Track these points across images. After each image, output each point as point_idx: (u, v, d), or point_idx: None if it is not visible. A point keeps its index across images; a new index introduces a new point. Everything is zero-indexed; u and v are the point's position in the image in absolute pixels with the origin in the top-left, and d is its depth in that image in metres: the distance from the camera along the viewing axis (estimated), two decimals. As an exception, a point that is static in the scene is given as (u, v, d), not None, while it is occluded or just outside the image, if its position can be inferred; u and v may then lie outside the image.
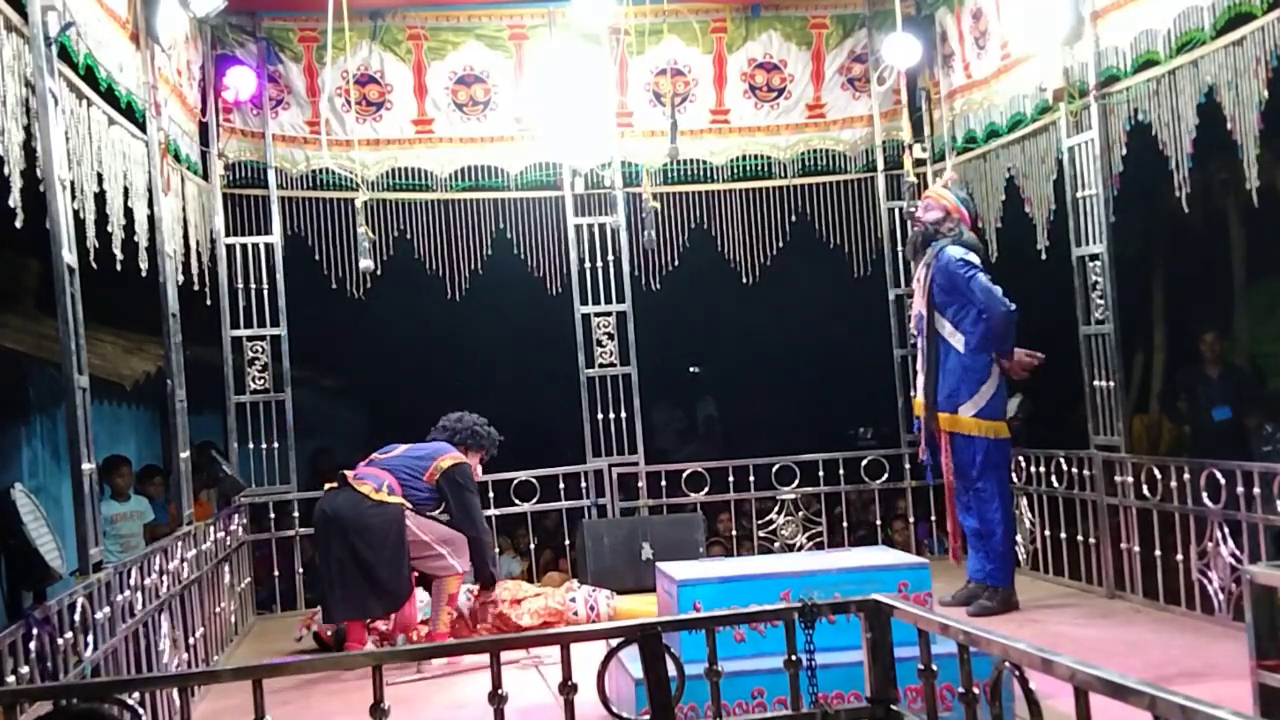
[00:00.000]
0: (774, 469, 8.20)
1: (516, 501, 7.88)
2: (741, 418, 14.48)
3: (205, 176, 7.40)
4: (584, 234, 8.12)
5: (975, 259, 6.33)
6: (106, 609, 4.42)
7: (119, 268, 5.34)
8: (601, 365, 8.10)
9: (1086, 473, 6.72)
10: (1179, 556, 6.00)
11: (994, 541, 6.32)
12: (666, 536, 7.52)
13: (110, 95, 5.32)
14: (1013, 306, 6.20)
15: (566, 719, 3.32)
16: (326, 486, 6.20)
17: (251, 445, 7.63)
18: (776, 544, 8.13)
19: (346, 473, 6.15)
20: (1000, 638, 2.88)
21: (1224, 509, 5.65)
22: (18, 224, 4.08)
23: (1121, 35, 6.13)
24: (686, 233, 8.23)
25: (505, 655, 3.32)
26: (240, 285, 7.67)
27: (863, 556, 5.19)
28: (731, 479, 8.13)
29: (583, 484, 8.00)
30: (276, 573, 7.73)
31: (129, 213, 5.50)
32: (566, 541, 8.00)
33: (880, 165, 8.39)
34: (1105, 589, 6.59)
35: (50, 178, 4.36)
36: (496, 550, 6.50)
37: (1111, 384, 6.48)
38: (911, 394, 8.22)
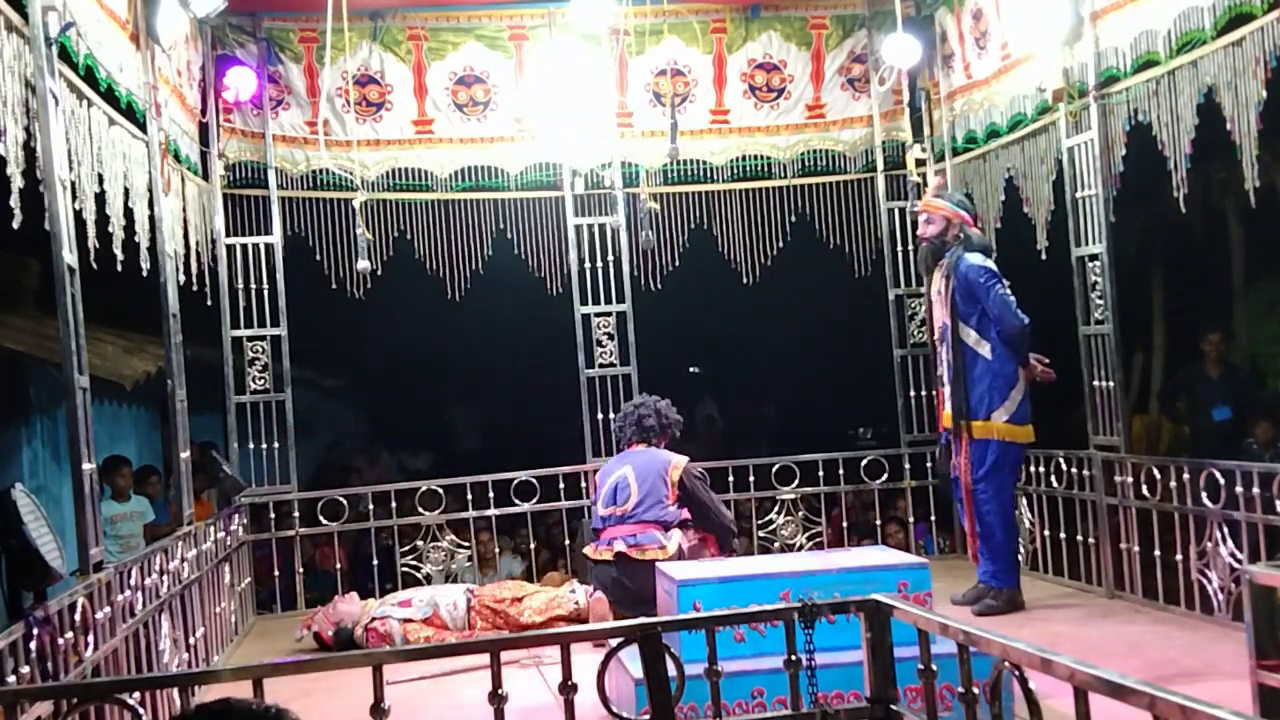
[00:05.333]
0: (774, 469, 8.19)
1: (516, 501, 7.87)
2: (741, 418, 14.50)
3: (205, 177, 7.41)
4: (584, 234, 8.11)
5: (993, 265, 6.34)
6: (107, 609, 4.42)
7: (119, 268, 5.33)
8: (601, 365, 8.10)
9: (1086, 473, 6.72)
10: (1178, 556, 6.00)
11: (994, 543, 6.33)
12: (666, 536, 7.51)
13: (110, 96, 5.32)
14: (1026, 320, 6.21)
15: (566, 719, 3.32)
16: (597, 558, 6.25)
17: (252, 445, 7.64)
18: (776, 544, 8.14)
19: (623, 549, 6.14)
20: (999, 638, 2.88)
21: (1223, 509, 5.65)
22: (17, 224, 4.08)
23: (1121, 35, 6.13)
24: (686, 233, 8.22)
25: (505, 655, 3.33)
26: (240, 285, 7.68)
27: (862, 556, 5.19)
28: (731, 479, 8.11)
29: (583, 484, 8.00)
30: (277, 573, 7.74)
31: (129, 213, 5.50)
32: (566, 541, 8.01)
33: (880, 165, 8.38)
34: (1105, 589, 6.59)
35: (50, 178, 4.36)
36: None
37: (1111, 384, 6.48)
38: (918, 393, 8.26)
